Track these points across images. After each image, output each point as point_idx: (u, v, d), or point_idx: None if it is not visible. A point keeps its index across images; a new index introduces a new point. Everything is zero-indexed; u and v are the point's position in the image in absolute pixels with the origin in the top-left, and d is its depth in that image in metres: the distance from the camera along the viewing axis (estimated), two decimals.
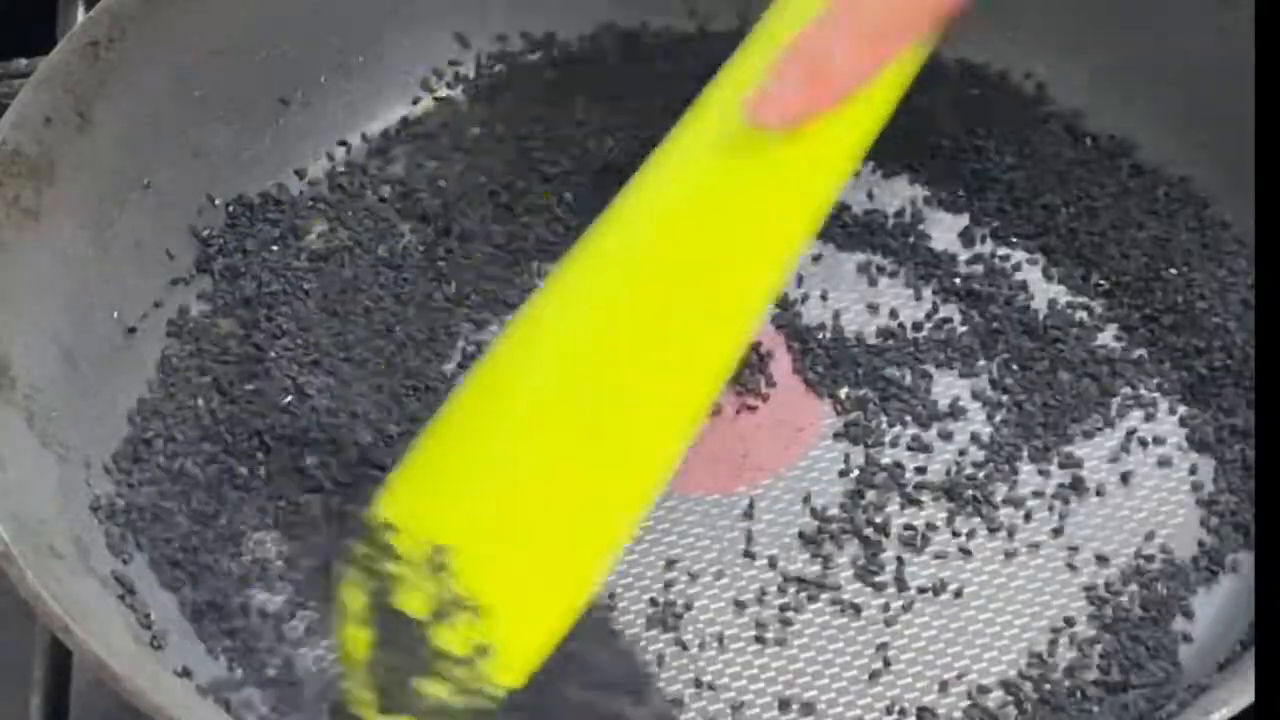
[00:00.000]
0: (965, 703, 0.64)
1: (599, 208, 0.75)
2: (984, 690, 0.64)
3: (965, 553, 0.67)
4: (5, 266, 0.65)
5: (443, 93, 0.79)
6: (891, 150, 0.77)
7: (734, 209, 0.60)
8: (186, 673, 0.61)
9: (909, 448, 0.69)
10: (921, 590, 0.66)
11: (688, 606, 0.66)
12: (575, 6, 0.80)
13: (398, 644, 0.59)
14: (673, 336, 0.60)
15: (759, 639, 0.65)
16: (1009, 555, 0.67)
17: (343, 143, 0.78)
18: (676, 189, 0.61)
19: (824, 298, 0.74)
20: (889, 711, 0.64)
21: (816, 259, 0.75)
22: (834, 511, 0.68)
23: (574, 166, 0.76)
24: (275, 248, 0.74)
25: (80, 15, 0.79)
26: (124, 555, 0.64)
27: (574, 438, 0.60)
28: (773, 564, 0.67)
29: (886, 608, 0.66)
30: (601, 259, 0.61)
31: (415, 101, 0.79)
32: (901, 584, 0.66)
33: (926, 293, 0.74)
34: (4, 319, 0.65)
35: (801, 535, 0.67)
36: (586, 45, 0.80)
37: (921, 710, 0.64)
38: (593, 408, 0.60)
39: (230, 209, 0.75)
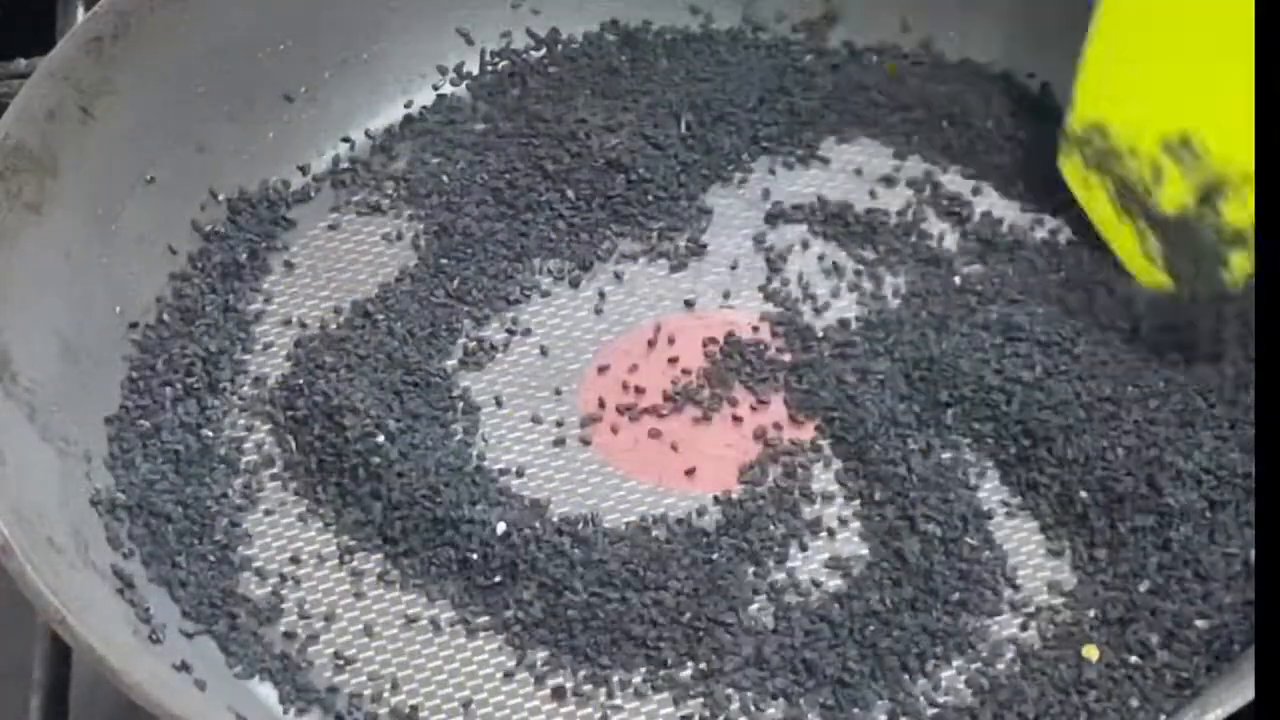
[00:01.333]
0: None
1: (601, 204, 0.76)
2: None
3: (974, 543, 0.66)
4: (7, 260, 0.66)
5: (446, 89, 0.80)
6: (894, 149, 0.78)
7: None
8: (185, 666, 0.61)
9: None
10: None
11: None
12: (579, 4, 0.81)
13: (1182, 239, 0.68)
14: None
15: None
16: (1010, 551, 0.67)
17: (346, 139, 0.78)
18: None
19: (825, 296, 0.74)
20: None
21: (819, 258, 0.75)
22: (834, 503, 0.68)
23: (577, 163, 0.76)
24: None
25: (80, 15, 0.79)
26: (124, 549, 0.64)
27: None
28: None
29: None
30: None
31: (419, 98, 0.79)
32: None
33: None
34: (5, 312, 0.65)
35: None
36: (590, 42, 0.80)
37: None
38: None
39: (233, 204, 0.75)
